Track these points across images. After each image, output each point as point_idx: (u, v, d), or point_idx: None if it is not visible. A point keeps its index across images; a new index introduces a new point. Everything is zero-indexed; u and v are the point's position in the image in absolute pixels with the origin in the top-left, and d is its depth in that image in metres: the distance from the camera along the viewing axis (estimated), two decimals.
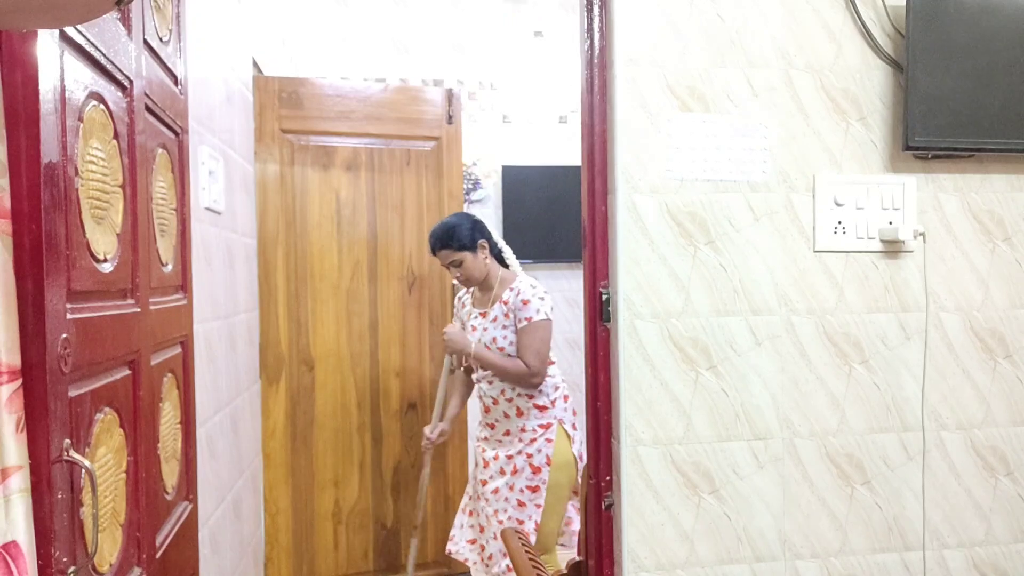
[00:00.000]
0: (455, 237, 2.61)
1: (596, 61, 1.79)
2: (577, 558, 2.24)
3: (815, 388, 1.83)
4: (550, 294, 2.63)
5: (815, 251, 1.82)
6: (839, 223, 1.82)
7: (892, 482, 1.86)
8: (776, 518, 1.81)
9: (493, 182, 4.62)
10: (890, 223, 1.84)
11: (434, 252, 2.68)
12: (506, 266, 2.74)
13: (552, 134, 4.71)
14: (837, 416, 1.84)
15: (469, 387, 2.94)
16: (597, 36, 1.79)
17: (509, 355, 2.59)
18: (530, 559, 2.04)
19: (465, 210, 4.57)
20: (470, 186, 4.59)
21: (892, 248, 1.85)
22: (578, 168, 1.93)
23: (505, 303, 2.60)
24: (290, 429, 3.07)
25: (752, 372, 1.80)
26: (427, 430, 2.90)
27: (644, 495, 1.76)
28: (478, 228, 2.66)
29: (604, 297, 1.79)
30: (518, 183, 4.61)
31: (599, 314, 1.80)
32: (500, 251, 2.74)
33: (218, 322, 2.24)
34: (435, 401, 2.93)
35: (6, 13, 0.79)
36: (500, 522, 2.57)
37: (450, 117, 3.32)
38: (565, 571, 2.23)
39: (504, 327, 2.59)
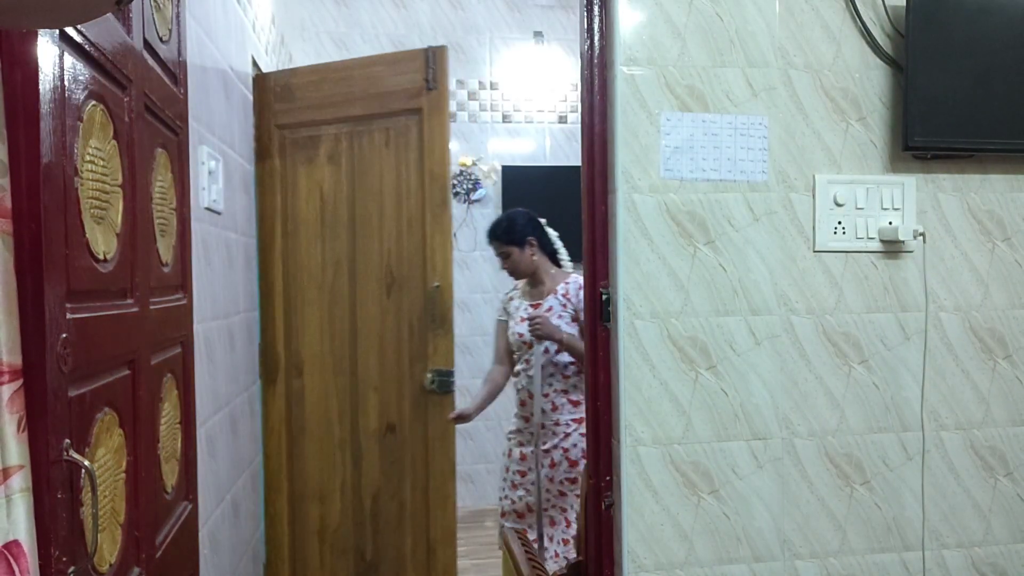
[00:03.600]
0: (506, 231, 2.80)
1: (596, 61, 1.79)
2: (577, 558, 2.25)
3: (814, 388, 1.83)
4: None
5: (814, 251, 1.82)
6: (839, 223, 1.82)
7: (891, 482, 1.86)
8: (775, 518, 1.81)
9: (493, 182, 4.63)
10: (890, 223, 1.84)
11: (488, 242, 2.91)
12: (559, 265, 2.86)
13: (552, 134, 4.71)
14: (836, 416, 1.84)
15: (502, 386, 3.03)
16: (597, 36, 1.79)
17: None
18: (530, 559, 2.04)
19: (465, 210, 4.58)
20: (470, 186, 4.59)
21: (892, 248, 1.85)
22: (578, 168, 1.93)
23: (564, 295, 2.71)
24: (286, 434, 2.99)
25: (751, 372, 1.80)
26: (469, 408, 2.86)
27: (643, 495, 1.76)
28: (530, 225, 2.81)
29: (604, 297, 1.79)
30: (518, 183, 4.61)
31: (599, 314, 1.80)
32: (556, 251, 2.86)
33: (218, 322, 2.24)
34: (533, 389, 2.78)
35: (6, 13, 0.79)
36: (544, 510, 2.71)
37: (429, 81, 2.77)
38: (565, 572, 2.23)
39: (559, 317, 2.70)
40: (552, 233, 2.87)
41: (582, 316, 2.65)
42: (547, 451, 2.69)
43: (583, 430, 2.66)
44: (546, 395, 2.69)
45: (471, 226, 4.62)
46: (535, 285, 2.82)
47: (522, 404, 2.78)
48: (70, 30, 1.04)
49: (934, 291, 1.86)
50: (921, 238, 1.83)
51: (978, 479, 1.89)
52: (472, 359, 4.73)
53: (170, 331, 1.57)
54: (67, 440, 1.02)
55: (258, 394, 2.95)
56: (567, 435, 2.67)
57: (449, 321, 2.71)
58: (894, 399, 1.86)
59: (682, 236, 1.76)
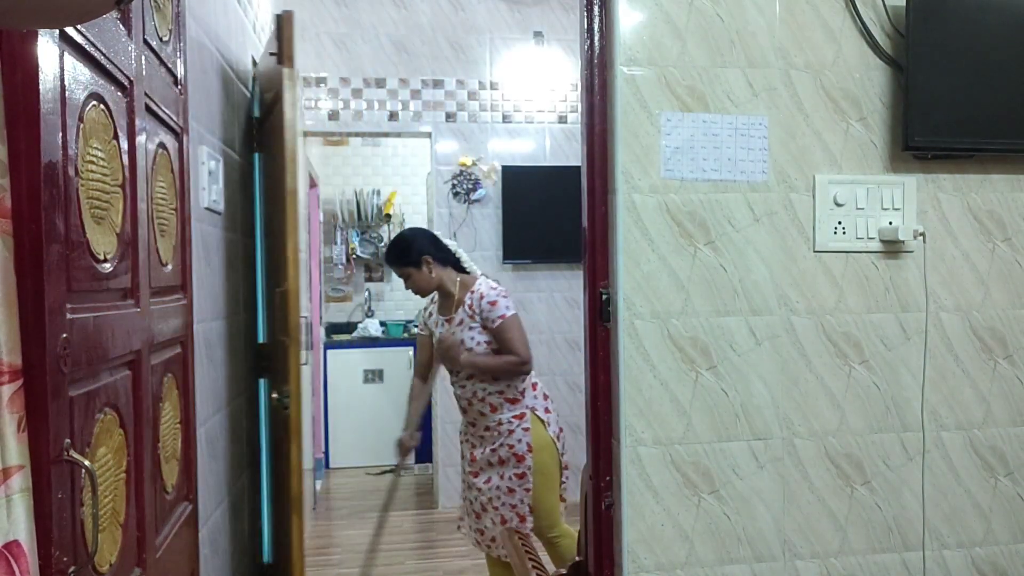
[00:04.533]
0: (399, 254, 2.78)
1: (596, 61, 1.79)
2: (577, 558, 2.24)
3: (815, 388, 1.83)
4: (508, 294, 2.76)
5: (815, 251, 1.82)
6: (839, 223, 1.82)
7: (892, 482, 1.86)
8: (776, 518, 1.81)
9: (493, 182, 4.62)
10: (890, 223, 1.84)
11: (387, 266, 2.94)
12: (465, 271, 2.86)
13: (552, 134, 4.71)
14: (837, 416, 1.84)
15: (429, 394, 3.08)
16: (597, 36, 1.79)
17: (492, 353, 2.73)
18: (530, 559, 2.04)
19: (465, 210, 4.58)
20: (470, 186, 4.59)
21: (892, 248, 1.85)
22: (578, 168, 1.93)
23: (470, 307, 2.73)
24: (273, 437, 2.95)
25: (752, 372, 1.80)
26: (406, 436, 2.92)
27: (644, 495, 1.76)
28: (422, 243, 2.79)
29: (604, 297, 1.79)
30: (518, 183, 4.60)
31: (599, 314, 1.80)
32: (458, 259, 2.85)
33: (218, 322, 2.24)
34: (408, 408, 2.91)
35: (6, 13, 0.79)
36: (495, 508, 2.77)
37: (275, 55, 2.33)
38: (565, 571, 2.23)
39: (471, 328, 2.72)
40: (450, 243, 2.87)
41: (489, 323, 2.68)
42: (495, 450, 2.75)
43: (525, 425, 2.72)
44: (482, 399, 2.74)
45: (471, 226, 4.61)
46: (445, 298, 2.83)
47: (464, 412, 2.85)
48: (70, 30, 1.04)
49: (934, 291, 1.86)
50: (921, 238, 1.83)
51: (979, 479, 1.89)
52: None
53: (170, 331, 1.57)
54: (67, 440, 1.02)
55: (259, 394, 2.95)
56: (511, 432, 2.72)
57: (292, 332, 2.36)
58: (895, 399, 1.86)
59: (682, 236, 1.76)
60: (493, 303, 2.68)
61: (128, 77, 1.28)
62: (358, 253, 6.17)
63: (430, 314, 2.90)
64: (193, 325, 1.80)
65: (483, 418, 2.76)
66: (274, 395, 2.46)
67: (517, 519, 2.73)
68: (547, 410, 2.80)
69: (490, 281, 2.79)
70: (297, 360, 2.42)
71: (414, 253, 2.75)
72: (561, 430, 2.83)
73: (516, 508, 2.73)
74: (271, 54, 2.38)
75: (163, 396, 1.51)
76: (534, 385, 2.81)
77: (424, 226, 4.86)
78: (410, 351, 5.64)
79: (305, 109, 4.46)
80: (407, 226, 6.21)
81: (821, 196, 1.81)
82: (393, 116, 4.57)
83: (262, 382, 2.97)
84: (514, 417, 2.73)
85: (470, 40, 4.63)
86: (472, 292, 2.73)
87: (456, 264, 2.83)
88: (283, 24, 2.33)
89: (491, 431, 2.75)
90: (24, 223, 0.93)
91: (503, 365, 2.70)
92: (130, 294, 1.31)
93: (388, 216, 6.19)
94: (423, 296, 2.87)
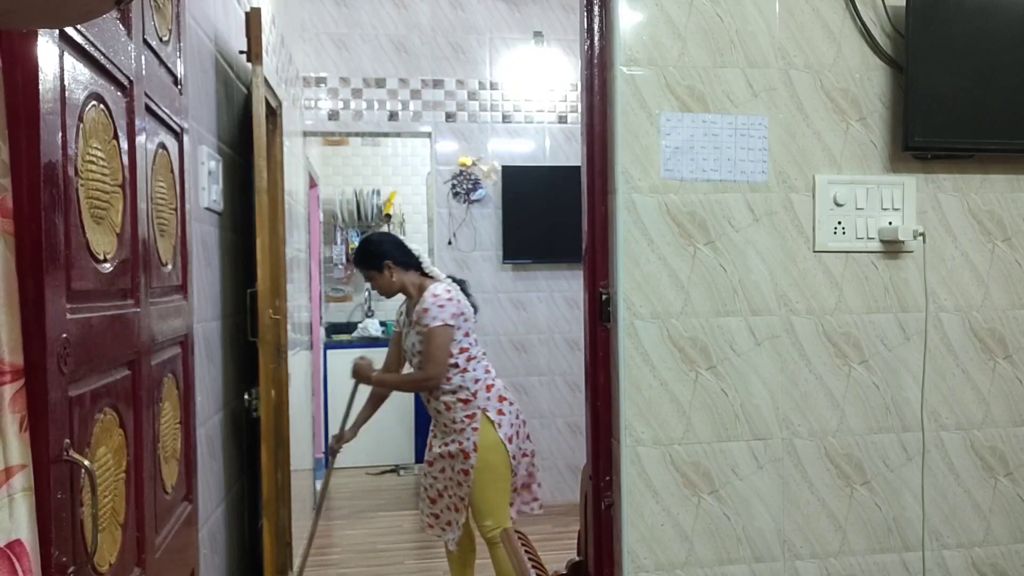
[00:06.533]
0: (363, 258, 2.98)
1: (596, 61, 1.79)
2: (577, 558, 2.24)
3: (815, 388, 1.83)
4: (457, 300, 2.85)
5: (815, 251, 1.82)
6: (839, 223, 1.82)
7: (891, 482, 1.86)
8: (775, 518, 1.81)
9: (493, 182, 4.62)
10: (890, 223, 1.84)
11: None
12: (427, 275, 2.99)
13: (552, 134, 4.71)
14: (836, 416, 1.84)
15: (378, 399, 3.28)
16: (597, 36, 1.79)
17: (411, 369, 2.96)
18: (530, 558, 2.04)
19: (465, 210, 4.58)
20: (470, 186, 4.59)
21: (892, 248, 1.85)
22: (578, 168, 1.93)
23: (415, 311, 2.91)
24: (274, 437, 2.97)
25: (752, 372, 1.80)
26: (348, 433, 3.23)
27: (644, 495, 1.76)
28: (385, 246, 2.96)
29: (604, 297, 1.79)
30: (518, 183, 4.60)
31: (599, 314, 1.80)
32: (419, 263, 2.99)
33: (218, 322, 2.24)
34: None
35: (6, 13, 0.79)
36: (448, 496, 2.98)
37: (244, 53, 2.31)
38: (565, 571, 2.23)
39: (417, 333, 2.90)
40: (413, 248, 2.99)
41: (422, 329, 2.82)
42: (446, 444, 2.92)
43: (475, 425, 2.86)
44: (437, 398, 2.91)
45: (471, 226, 4.61)
46: (411, 301, 2.97)
47: (425, 405, 3.02)
48: (70, 30, 1.04)
49: (934, 291, 1.86)
50: (921, 238, 1.83)
51: (978, 479, 1.89)
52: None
53: (170, 331, 1.57)
54: (67, 440, 1.02)
55: (259, 394, 2.94)
56: (461, 431, 2.87)
57: (261, 334, 2.34)
58: (894, 399, 1.86)
59: (682, 236, 1.76)
60: (426, 310, 2.81)
61: (128, 77, 1.28)
62: None
63: (401, 314, 3.08)
64: (193, 325, 1.80)
65: (439, 415, 2.94)
66: (245, 396, 2.46)
67: (465, 510, 2.95)
68: (500, 412, 2.90)
69: (442, 287, 2.87)
70: (267, 362, 2.40)
71: (378, 257, 2.91)
72: (519, 434, 2.93)
73: (464, 500, 2.91)
74: (240, 52, 2.37)
75: (163, 396, 1.51)
76: (489, 387, 2.91)
77: (424, 226, 4.86)
78: None
79: (305, 109, 4.46)
80: (407, 226, 6.22)
81: (821, 196, 1.81)
82: (393, 116, 4.57)
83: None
84: (466, 417, 2.87)
85: (470, 40, 4.63)
86: (423, 297, 2.86)
87: (419, 267, 2.96)
88: (251, 20, 2.30)
89: (447, 428, 2.92)
90: (24, 223, 0.93)
91: (405, 383, 3.05)
92: (130, 294, 1.31)
93: (388, 216, 6.20)
94: (387, 297, 3.06)
